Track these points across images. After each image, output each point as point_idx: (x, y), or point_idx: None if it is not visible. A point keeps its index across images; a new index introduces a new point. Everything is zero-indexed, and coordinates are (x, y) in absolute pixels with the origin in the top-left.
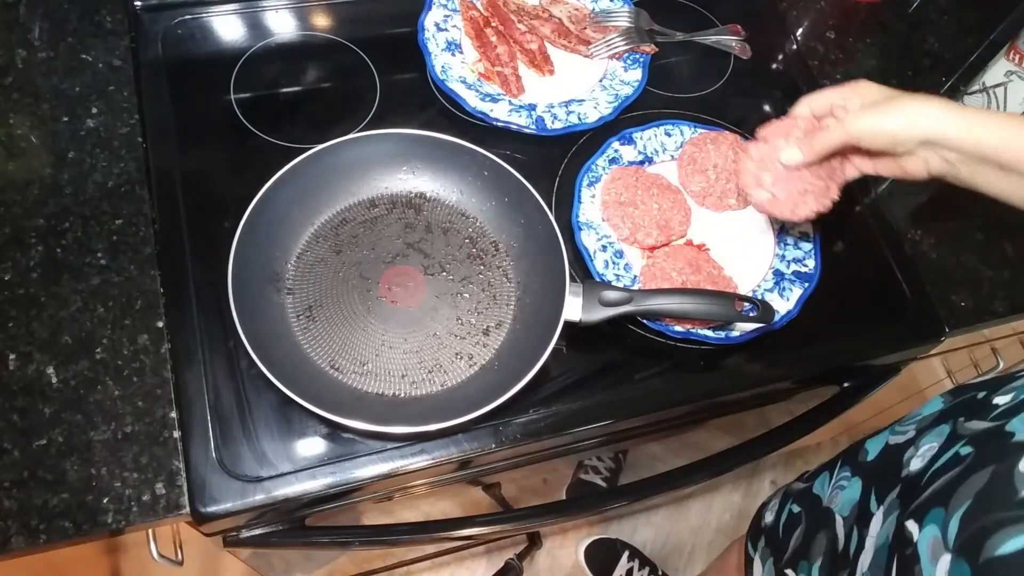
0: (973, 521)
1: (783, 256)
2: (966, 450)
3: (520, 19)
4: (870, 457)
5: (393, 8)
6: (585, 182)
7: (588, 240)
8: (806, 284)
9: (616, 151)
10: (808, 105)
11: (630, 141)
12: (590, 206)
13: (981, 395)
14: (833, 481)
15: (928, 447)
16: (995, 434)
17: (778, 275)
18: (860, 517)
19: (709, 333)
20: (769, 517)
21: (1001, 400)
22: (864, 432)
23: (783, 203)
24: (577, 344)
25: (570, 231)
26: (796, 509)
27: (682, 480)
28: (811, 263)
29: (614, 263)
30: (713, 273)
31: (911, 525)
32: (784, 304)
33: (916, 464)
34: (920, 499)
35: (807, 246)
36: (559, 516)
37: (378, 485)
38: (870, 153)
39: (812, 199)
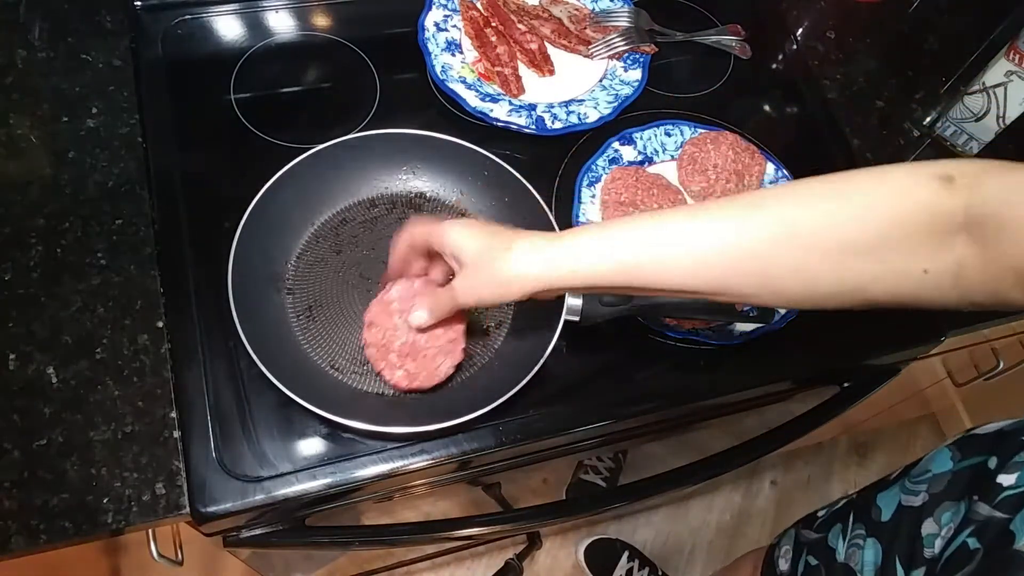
0: None
1: None
2: (973, 543)
3: (520, 19)
4: (884, 517)
5: (393, 8)
6: (585, 182)
7: None
8: None
9: (616, 151)
10: (404, 250)
11: (630, 141)
12: (590, 206)
13: (992, 464)
14: (848, 538)
15: (947, 528)
16: (1000, 535)
17: None
18: None
19: (709, 333)
20: (784, 565)
21: (1006, 480)
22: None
23: (423, 373)
24: (577, 344)
25: None
26: (814, 562)
27: (682, 480)
28: None
29: None
30: None
31: None
32: None
33: (938, 545)
34: None
35: None
36: (559, 516)
37: (378, 485)
38: None
39: (445, 356)
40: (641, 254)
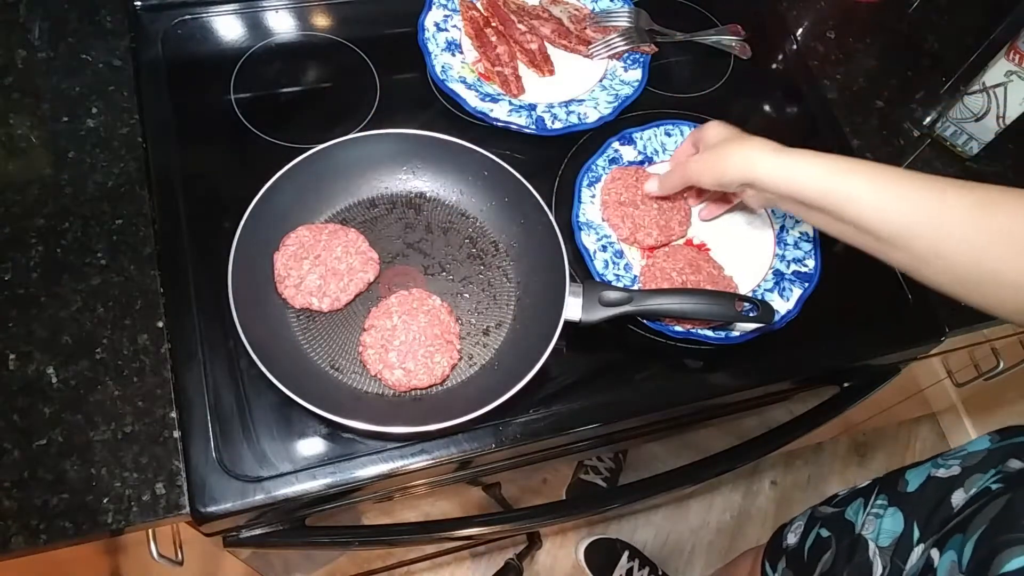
0: (985, 543)
1: (783, 256)
2: (997, 487)
3: (520, 19)
4: (910, 488)
5: (393, 8)
6: (585, 182)
7: (588, 240)
8: (806, 284)
9: (616, 151)
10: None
11: (630, 141)
12: (590, 206)
13: None
14: (868, 509)
15: (975, 491)
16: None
17: (778, 275)
18: (900, 550)
19: (709, 333)
20: (792, 539)
21: None
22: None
23: (421, 371)
24: (577, 344)
25: (570, 231)
26: (825, 533)
27: (682, 480)
28: (811, 263)
29: (614, 263)
30: (713, 273)
31: (934, 553)
32: (784, 304)
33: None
34: (946, 528)
35: (807, 246)
36: (559, 516)
37: (378, 485)
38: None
39: (442, 355)
40: (860, 197)
